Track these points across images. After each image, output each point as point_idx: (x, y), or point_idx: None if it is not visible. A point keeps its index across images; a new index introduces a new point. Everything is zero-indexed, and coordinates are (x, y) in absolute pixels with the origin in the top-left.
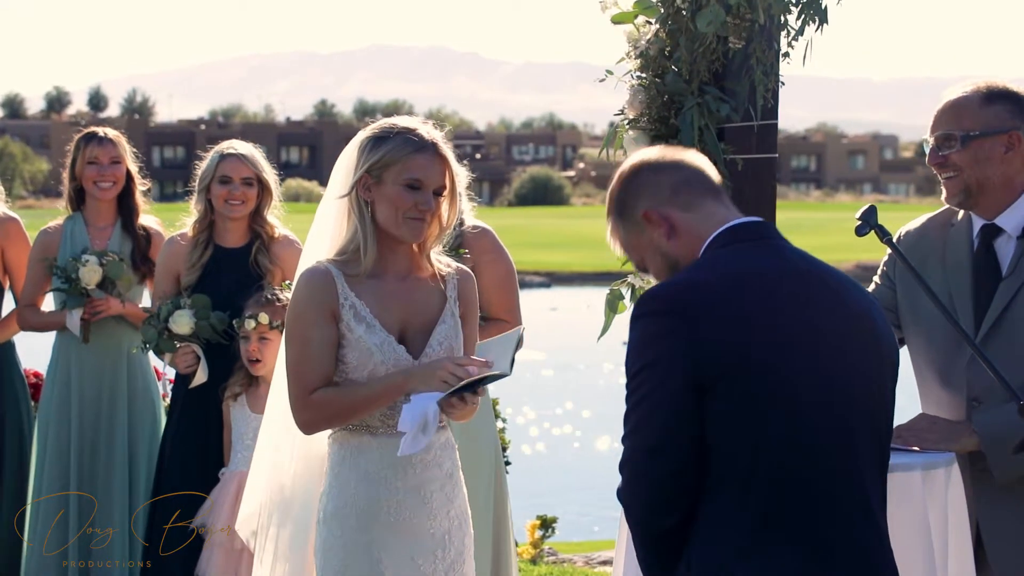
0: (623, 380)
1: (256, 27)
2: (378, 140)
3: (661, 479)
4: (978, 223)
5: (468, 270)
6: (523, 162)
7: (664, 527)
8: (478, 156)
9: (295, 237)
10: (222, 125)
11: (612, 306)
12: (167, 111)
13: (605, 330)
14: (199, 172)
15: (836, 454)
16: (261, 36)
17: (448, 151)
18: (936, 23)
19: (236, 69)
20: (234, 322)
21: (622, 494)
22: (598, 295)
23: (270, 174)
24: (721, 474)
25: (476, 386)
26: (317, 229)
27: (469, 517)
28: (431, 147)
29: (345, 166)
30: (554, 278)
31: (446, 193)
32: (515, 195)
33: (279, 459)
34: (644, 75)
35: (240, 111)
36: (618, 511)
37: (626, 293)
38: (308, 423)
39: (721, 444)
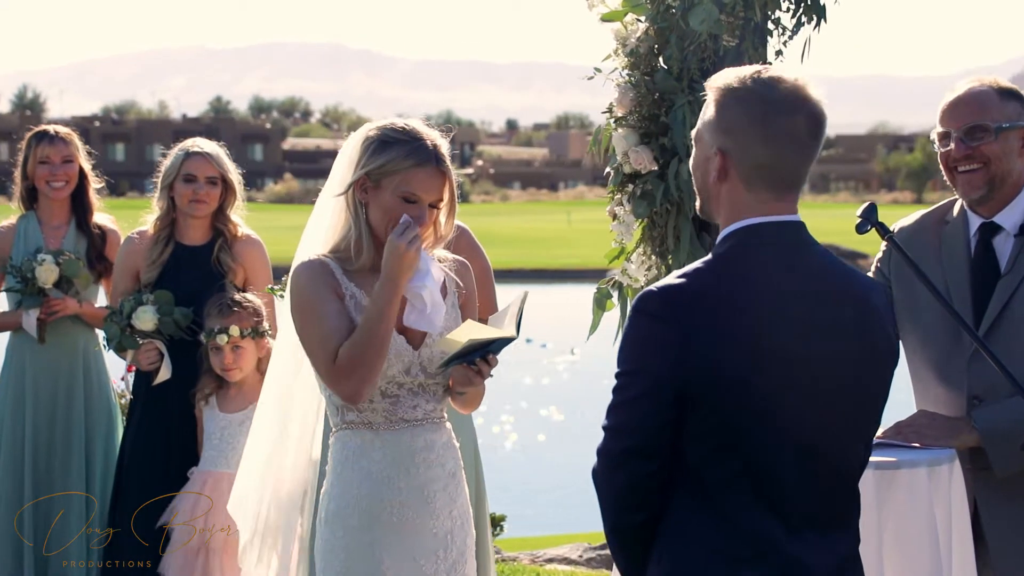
0: (535, 376)
1: (150, 22)
2: (383, 144)
3: (637, 477)
4: (975, 221)
5: (465, 261)
6: None
7: (635, 522)
8: None
9: (258, 237)
10: (116, 122)
11: (600, 304)
12: (59, 107)
13: (594, 328)
14: (162, 169)
15: (810, 477)
16: (155, 31)
17: (449, 165)
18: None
19: (129, 65)
20: (201, 336)
21: (596, 478)
22: (501, 292)
23: (234, 173)
24: (693, 478)
25: (486, 352)
26: (314, 222)
27: (471, 517)
28: (434, 161)
29: (346, 162)
30: None
31: (443, 204)
32: None
33: (269, 470)
34: (634, 73)
35: (134, 107)
36: (550, 509)
37: (614, 292)
38: (352, 393)
39: (696, 451)
